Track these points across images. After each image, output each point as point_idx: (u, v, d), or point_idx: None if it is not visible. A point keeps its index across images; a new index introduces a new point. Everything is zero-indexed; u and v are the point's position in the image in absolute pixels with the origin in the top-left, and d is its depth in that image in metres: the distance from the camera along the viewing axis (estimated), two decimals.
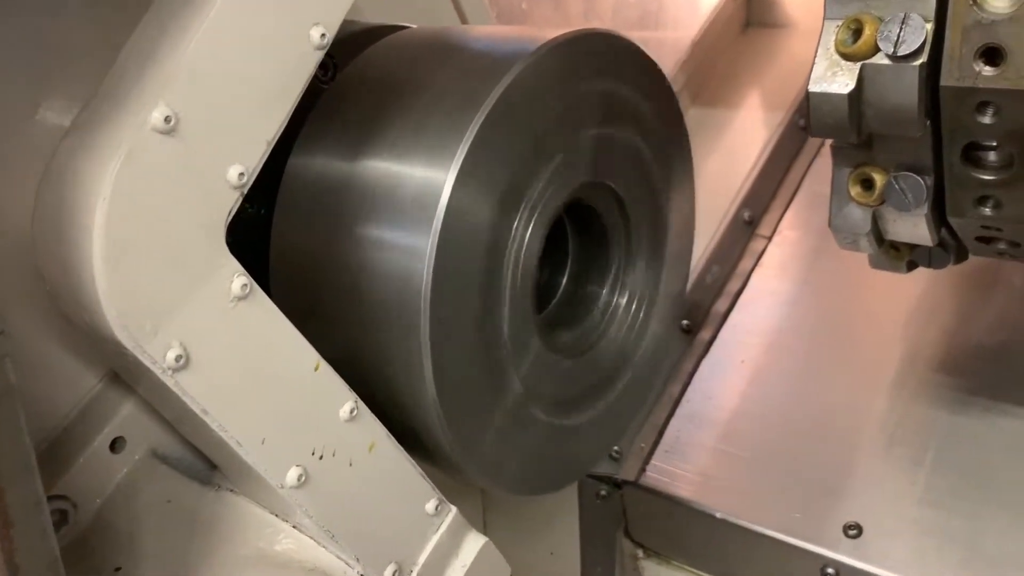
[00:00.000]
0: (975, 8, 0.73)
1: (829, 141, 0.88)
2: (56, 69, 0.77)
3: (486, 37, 0.88)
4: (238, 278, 0.66)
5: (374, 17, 0.95)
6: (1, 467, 0.51)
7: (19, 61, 0.75)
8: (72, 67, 0.77)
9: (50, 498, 0.79)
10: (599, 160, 0.88)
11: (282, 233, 0.81)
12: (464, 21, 1.14)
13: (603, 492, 1.19)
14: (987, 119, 0.76)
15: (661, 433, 1.21)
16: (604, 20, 1.57)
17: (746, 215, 1.42)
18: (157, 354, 0.62)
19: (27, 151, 0.72)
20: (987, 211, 0.83)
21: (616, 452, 1.18)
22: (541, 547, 1.27)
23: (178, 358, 0.62)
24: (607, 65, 0.87)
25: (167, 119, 0.59)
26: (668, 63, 1.52)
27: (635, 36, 0.90)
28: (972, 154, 0.80)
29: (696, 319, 1.33)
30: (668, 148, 0.98)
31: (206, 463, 0.86)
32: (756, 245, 1.42)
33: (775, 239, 1.42)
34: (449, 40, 0.89)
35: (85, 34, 0.78)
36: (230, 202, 0.64)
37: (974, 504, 1.01)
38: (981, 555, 0.97)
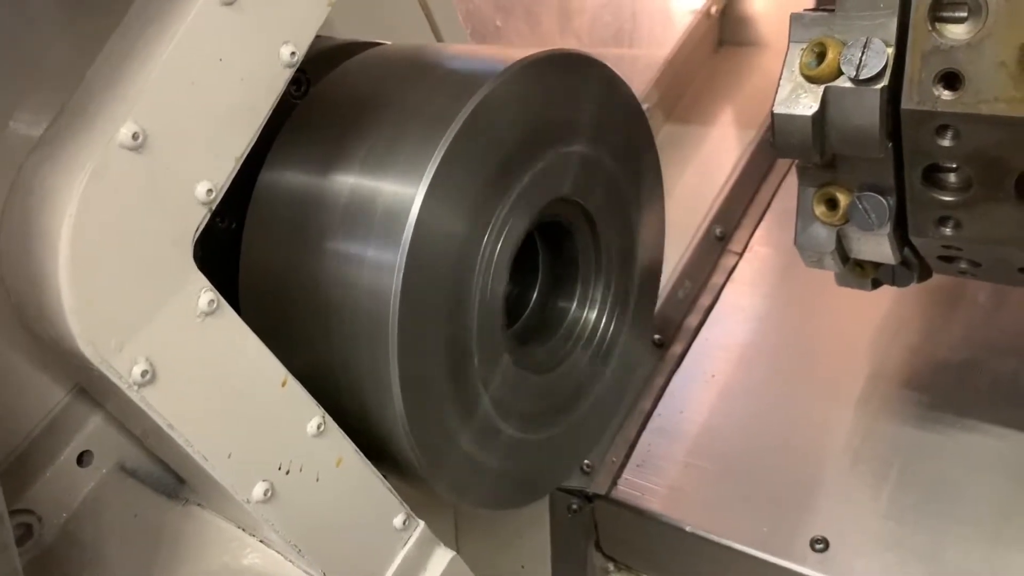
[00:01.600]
0: (934, 34, 0.74)
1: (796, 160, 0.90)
2: (27, 80, 0.77)
3: (458, 56, 0.89)
4: (205, 294, 0.66)
5: (348, 33, 0.96)
6: None
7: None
8: (43, 79, 0.77)
9: (15, 512, 0.79)
10: (569, 178, 0.89)
11: (252, 247, 0.82)
12: (438, 37, 1.15)
13: (574, 506, 1.20)
14: (946, 142, 0.77)
15: (632, 447, 1.22)
16: (579, 37, 1.58)
17: (718, 231, 1.44)
18: (123, 369, 0.62)
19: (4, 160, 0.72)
20: (948, 231, 0.85)
21: (587, 466, 1.19)
22: (512, 561, 1.27)
23: (144, 373, 0.62)
24: (577, 84, 0.88)
25: (135, 135, 0.60)
26: (642, 80, 1.53)
27: (610, 53, 0.91)
28: (932, 175, 0.82)
29: (668, 333, 1.34)
30: (638, 166, 0.99)
31: (174, 477, 0.85)
32: (727, 261, 1.43)
33: (746, 255, 1.44)
34: (421, 58, 0.90)
35: (58, 46, 0.78)
36: (198, 218, 0.65)
37: (937, 519, 1.03)
38: (944, 569, 0.98)
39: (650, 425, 1.25)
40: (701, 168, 1.54)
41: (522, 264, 0.92)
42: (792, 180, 1.50)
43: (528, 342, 0.95)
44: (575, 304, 0.99)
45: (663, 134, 1.58)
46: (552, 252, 0.98)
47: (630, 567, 1.22)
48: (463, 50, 0.95)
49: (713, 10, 1.70)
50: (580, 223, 0.94)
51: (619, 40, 1.51)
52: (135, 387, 0.63)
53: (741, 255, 1.44)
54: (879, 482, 1.08)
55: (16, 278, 0.63)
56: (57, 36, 0.78)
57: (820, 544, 1.04)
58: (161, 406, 0.64)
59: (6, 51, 0.75)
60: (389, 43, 0.96)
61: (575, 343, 0.98)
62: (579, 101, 0.88)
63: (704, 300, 1.38)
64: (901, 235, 0.89)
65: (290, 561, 0.76)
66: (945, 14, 0.74)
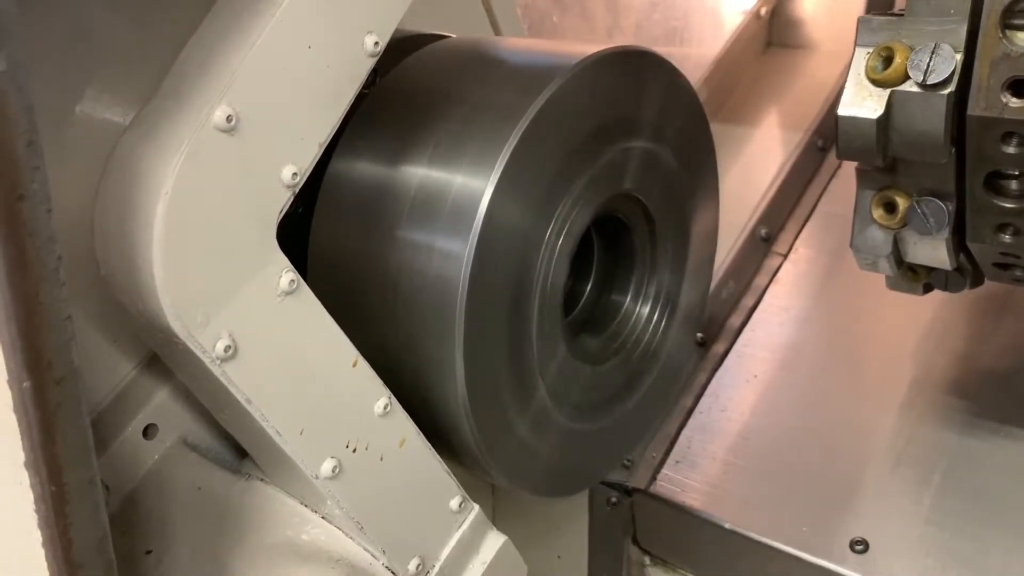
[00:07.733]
0: (1004, 41, 0.75)
1: (851, 163, 0.91)
2: (105, 64, 0.79)
3: (526, 50, 0.91)
4: (286, 274, 0.68)
5: (410, 27, 0.97)
6: (62, 447, 0.53)
7: (70, 54, 0.77)
8: (120, 63, 0.79)
9: None
10: (630, 173, 0.90)
11: (322, 232, 0.84)
12: (497, 31, 1.16)
13: (613, 499, 1.21)
14: (1011, 149, 0.78)
15: (672, 443, 1.23)
16: (627, 35, 1.59)
17: (763, 232, 1.44)
18: (207, 344, 0.64)
19: (75, 142, 0.74)
20: (1007, 238, 0.85)
21: (628, 460, 1.20)
22: (549, 550, 1.28)
23: (227, 349, 0.64)
24: (641, 81, 0.89)
25: (228, 118, 0.62)
26: (691, 79, 1.53)
27: (659, 52, 0.92)
28: (995, 182, 0.83)
29: (711, 333, 1.35)
30: (696, 163, 1.00)
31: (235, 453, 0.88)
32: (772, 262, 1.44)
33: (791, 257, 1.44)
34: (489, 52, 0.92)
35: (134, 31, 0.80)
36: (282, 200, 0.66)
37: (979, 525, 1.03)
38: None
39: (691, 422, 1.26)
40: (747, 169, 1.55)
41: (578, 256, 0.93)
42: (838, 184, 1.51)
43: (582, 333, 0.97)
44: (629, 298, 1.00)
45: None
46: (608, 245, 0.99)
47: (667, 562, 1.23)
48: (530, 45, 0.96)
49: (763, 11, 1.70)
50: (638, 218, 0.95)
51: (670, 39, 1.52)
52: (217, 362, 0.65)
53: (785, 257, 1.44)
54: (921, 487, 1.08)
55: (109, 251, 0.66)
56: (133, 19, 0.79)
57: (860, 545, 1.04)
58: (241, 381, 0.66)
59: (71, 37, 0.77)
60: (454, 36, 0.97)
61: (627, 336, 0.99)
62: (644, 98, 0.89)
63: (747, 301, 1.39)
64: (958, 240, 0.89)
65: (350, 537, 0.78)
66: (1016, 21, 0.74)
